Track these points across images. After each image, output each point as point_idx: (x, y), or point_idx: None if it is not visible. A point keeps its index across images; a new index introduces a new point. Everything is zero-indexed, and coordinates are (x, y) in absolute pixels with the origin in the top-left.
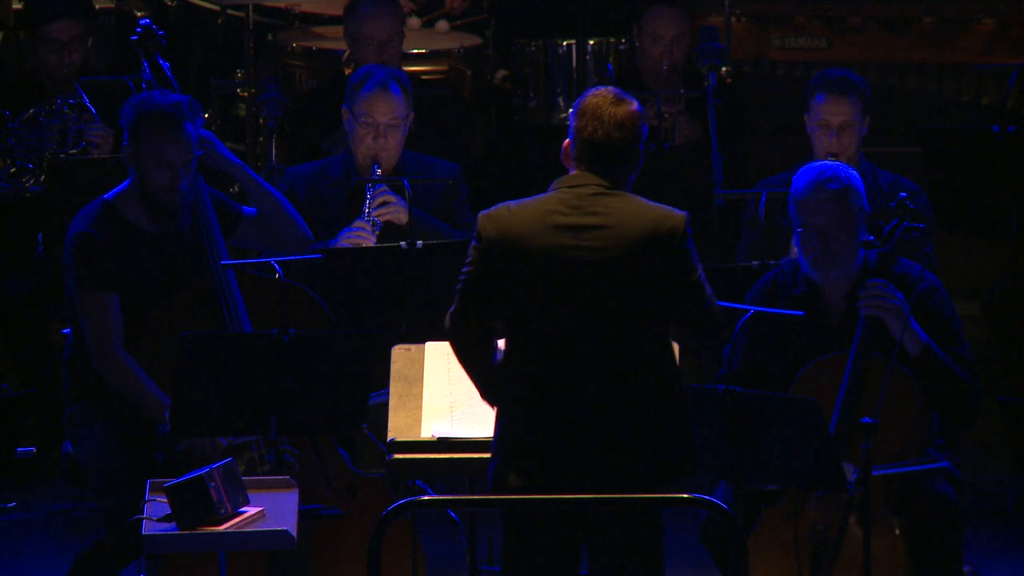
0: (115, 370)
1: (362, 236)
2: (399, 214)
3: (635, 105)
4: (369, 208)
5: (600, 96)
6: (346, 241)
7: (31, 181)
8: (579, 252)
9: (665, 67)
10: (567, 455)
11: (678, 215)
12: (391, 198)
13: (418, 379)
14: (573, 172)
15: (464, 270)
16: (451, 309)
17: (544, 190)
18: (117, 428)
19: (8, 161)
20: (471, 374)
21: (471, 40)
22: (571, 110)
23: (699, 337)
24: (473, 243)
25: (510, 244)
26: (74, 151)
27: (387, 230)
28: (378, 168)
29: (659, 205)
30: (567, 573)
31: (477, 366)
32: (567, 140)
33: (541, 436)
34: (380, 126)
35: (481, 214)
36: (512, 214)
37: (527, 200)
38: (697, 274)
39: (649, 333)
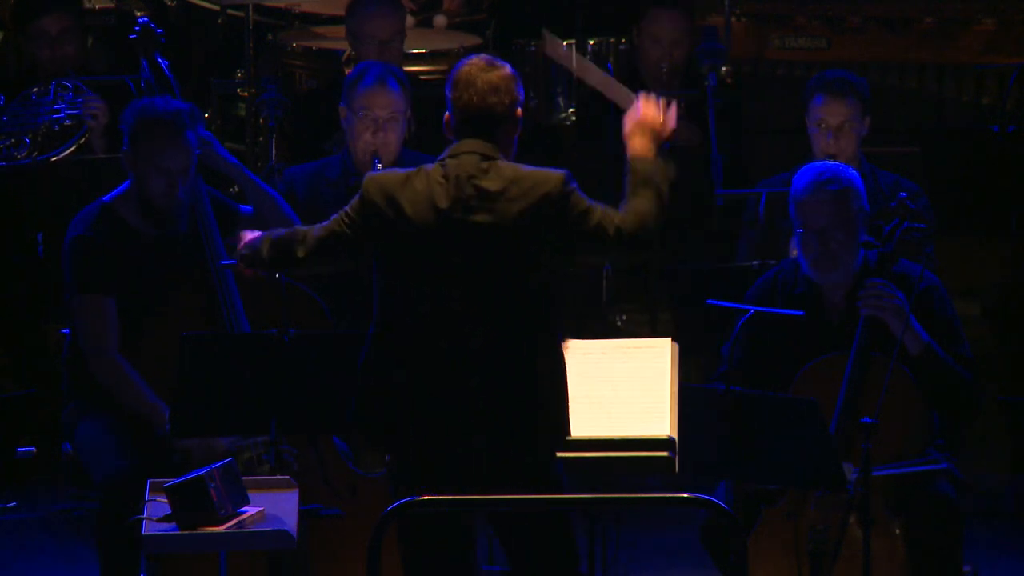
0: (110, 374)
1: None
2: None
3: (508, 68)
4: None
5: (472, 64)
6: None
7: (23, 153)
8: (460, 228)
9: (664, 69)
10: (439, 430)
11: (554, 176)
12: None
13: None
14: (455, 143)
15: (344, 211)
16: (313, 230)
17: None
18: (114, 417)
19: (2, 136)
20: (275, 263)
21: (471, 40)
22: (446, 84)
23: (624, 259)
24: (356, 197)
25: (393, 215)
26: (69, 124)
27: None
28: (378, 163)
29: (537, 169)
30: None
31: (283, 264)
32: (447, 114)
33: (414, 412)
34: (379, 120)
35: (368, 175)
36: (398, 184)
37: (413, 171)
38: (592, 218)
39: (533, 303)
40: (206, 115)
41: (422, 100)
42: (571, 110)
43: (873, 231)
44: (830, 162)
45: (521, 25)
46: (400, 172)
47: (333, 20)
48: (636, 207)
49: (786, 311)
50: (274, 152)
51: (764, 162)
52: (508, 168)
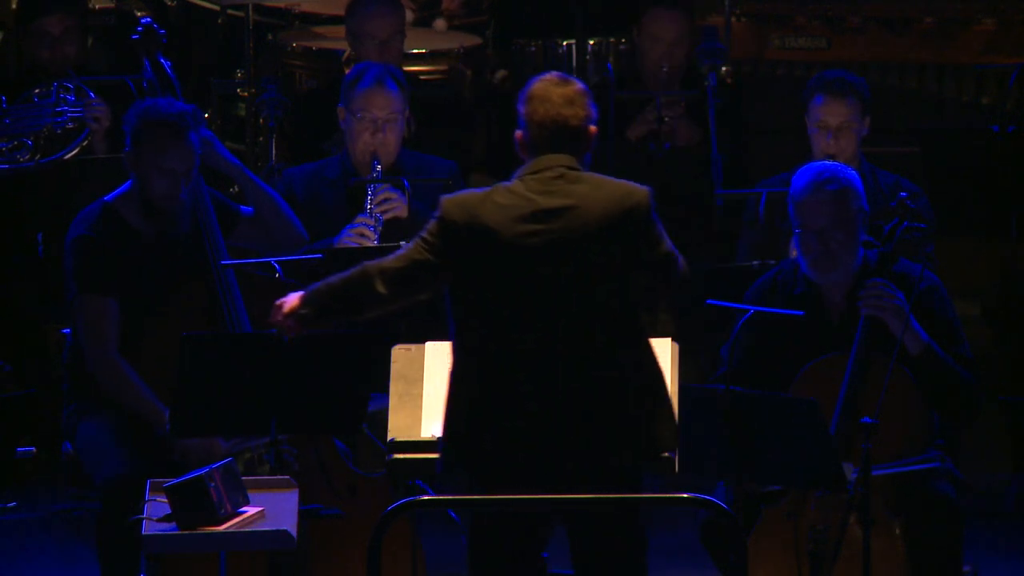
0: (110, 375)
1: (365, 232)
2: (400, 210)
3: (580, 84)
4: (371, 205)
5: (545, 79)
6: (349, 238)
7: (26, 157)
8: (547, 238)
9: (665, 69)
10: (535, 444)
11: (641, 190)
12: (392, 194)
13: (418, 379)
14: (530, 160)
15: (421, 236)
16: (388, 262)
17: None
18: (114, 418)
19: (4, 138)
20: (352, 309)
21: (471, 40)
22: (517, 101)
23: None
24: (433, 220)
25: (477, 231)
26: (71, 127)
27: (389, 226)
28: (378, 164)
29: (622, 181)
30: (531, 555)
31: (364, 307)
32: (519, 131)
33: (512, 429)
34: (378, 121)
35: (445, 198)
36: (479, 201)
37: (489, 189)
38: (664, 245)
39: (621, 312)
40: (206, 115)
41: (422, 100)
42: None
43: (873, 231)
44: (829, 162)
45: (521, 25)
46: (477, 191)
47: (333, 20)
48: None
49: (786, 311)
50: (274, 152)
51: (764, 162)
52: (594, 178)
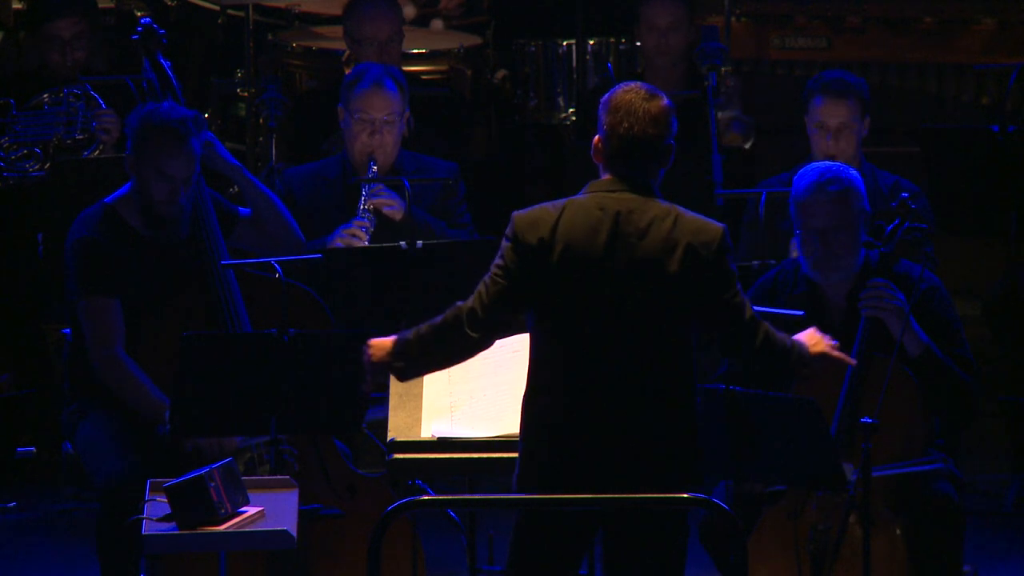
0: (116, 373)
1: (357, 234)
2: (394, 211)
3: (666, 100)
4: (364, 205)
5: (633, 91)
6: (341, 239)
7: (36, 166)
8: (616, 260)
9: (662, 57)
10: (589, 457)
11: (715, 228)
12: (384, 194)
13: (418, 379)
14: (606, 174)
15: (496, 264)
16: (472, 303)
17: (546, 190)
18: (115, 418)
19: (14, 146)
20: (449, 358)
21: (471, 40)
22: (600, 106)
23: (734, 353)
24: (506, 242)
25: (550, 249)
26: (81, 137)
27: (383, 227)
28: (374, 165)
29: (697, 216)
30: (570, 570)
31: (460, 354)
32: (597, 136)
33: (567, 439)
34: (376, 122)
35: (516, 214)
36: (551, 219)
37: (561, 202)
38: (733, 292)
39: (677, 341)
40: (206, 115)
41: (422, 100)
42: (571, 110)
43: (874, 231)
44: (831, 163)
45: (521, 25)
46: (547, 206)
47: (333, 20)
48: (772, 332)
49: (786, 311)
50: (274, 152)
51: (764, 162)
52: (668, 209)
